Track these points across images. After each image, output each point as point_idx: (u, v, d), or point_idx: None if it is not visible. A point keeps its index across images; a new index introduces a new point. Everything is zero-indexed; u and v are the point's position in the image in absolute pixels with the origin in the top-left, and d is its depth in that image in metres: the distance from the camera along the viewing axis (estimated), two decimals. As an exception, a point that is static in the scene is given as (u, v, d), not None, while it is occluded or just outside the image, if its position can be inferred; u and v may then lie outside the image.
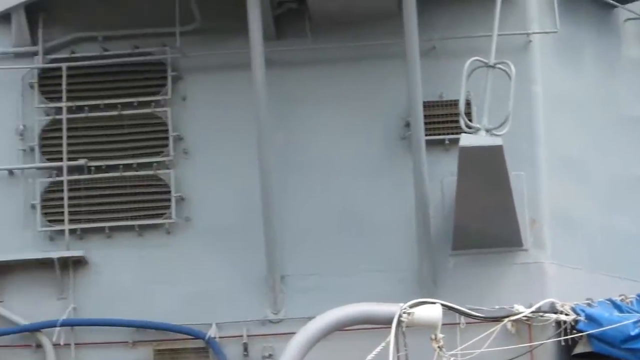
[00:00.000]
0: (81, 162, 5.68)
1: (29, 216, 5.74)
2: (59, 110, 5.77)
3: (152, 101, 5.67)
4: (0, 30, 6.04)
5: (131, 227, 5.62)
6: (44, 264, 5.69)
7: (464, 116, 4.62)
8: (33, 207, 5.65)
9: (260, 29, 5.00)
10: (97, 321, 5.59)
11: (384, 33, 5.50)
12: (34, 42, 5.85)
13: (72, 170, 5.70)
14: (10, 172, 5.73)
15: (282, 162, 5.46)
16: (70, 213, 5.63)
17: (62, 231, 5.70)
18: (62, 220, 5.67)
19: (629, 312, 5.06)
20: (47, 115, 5.80)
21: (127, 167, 5.70)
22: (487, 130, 4.55)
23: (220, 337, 5.27)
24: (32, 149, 5.73)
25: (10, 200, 5.82)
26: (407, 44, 4.90)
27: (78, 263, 5.69)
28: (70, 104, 5.80)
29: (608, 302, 5.21)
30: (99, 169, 5.67)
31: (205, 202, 5.58)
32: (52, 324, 5.54)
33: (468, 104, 4.97)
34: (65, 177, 5.64)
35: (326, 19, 5.51)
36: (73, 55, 5.85)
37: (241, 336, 5.25)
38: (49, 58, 5.85)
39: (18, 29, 5.88)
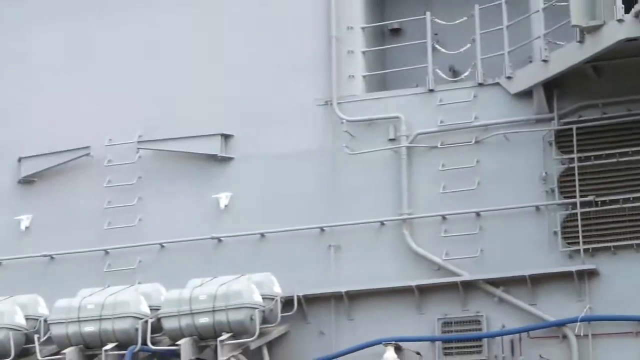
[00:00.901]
0: (590, 198, 13.97)
1: (552, 240, 14.31)
2: (571, 160, 14.25)
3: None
4: (524, 103, 15.01)
5: (630, 246, 13.81)
6: (565, 276, 14.04)
7: None
8: (555, 233, 14.21)
9: None
10: (608, 317, 13.66)
11: None
12: (550, 110, 14.66)
13: (583, 204, 14.03)
14: (537, 208, 14.41)
15: None
16: (583, 237, 13.95)
17: (577, 251, 14.00)
18: (578, 242, 13.97)
19: None
20: (562, 164, 14.36)
21: (626, 200, 13.86)
22: None
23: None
24: (552, 190, 14.34)
25: (538, 229, 14.46)
26: None
27: (591, 274, 13.93)
28: (579, 155, 14.20)
29: None
30: (604, 203, 13.97)
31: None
32: (573, 320, 13.74)
33: None
34: (578, 210, 14.05)
35: None
36: (580, 118, 14.43)
37: None
38: (562, 122, 14.53)
39: (538, 101, 14.74)
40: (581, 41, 13.87)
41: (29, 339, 15.74)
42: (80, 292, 15.70)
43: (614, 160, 14.29)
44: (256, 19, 17.26)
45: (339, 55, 16.48)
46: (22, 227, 17.55)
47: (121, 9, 18.09)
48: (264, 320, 14.76)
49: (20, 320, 15.65)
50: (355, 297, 15.38)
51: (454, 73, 16.29)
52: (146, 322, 14.99)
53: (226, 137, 16.83)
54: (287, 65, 16.83)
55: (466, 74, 15.97)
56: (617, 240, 14.12)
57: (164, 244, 16.63)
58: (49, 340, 15.70)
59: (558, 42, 14.75)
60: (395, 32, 17.30)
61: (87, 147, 17.46)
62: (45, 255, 17.13)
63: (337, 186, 16.12)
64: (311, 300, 15.53)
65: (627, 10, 13.28)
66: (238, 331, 14.55)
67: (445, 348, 14.87)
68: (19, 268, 17.33)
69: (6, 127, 18.04)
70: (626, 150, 14.22)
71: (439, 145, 15.51)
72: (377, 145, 15.87)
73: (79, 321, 15.17)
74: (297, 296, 15.33)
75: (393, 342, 14.67)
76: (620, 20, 13.14)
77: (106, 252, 16.86)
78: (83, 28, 18.18)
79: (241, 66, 17.11)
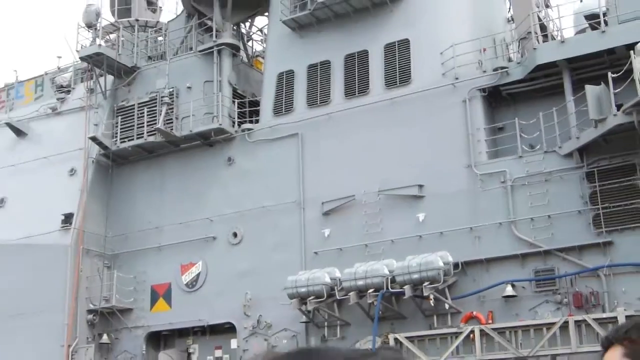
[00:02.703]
0: (606, 205, 14.63)
1: (588, 227, 15.03)
2: (594, 186, 14.93)
3: None
4: (569, 159, 15.48)
5: (630, 228, 14.43)
6: (596, 245, 14.85)
7: None
8: (589, 224, 14.93)
9: None
10: (620, 264, 14.60)
11: None
12: (582, 162, 15.26)
13: (603, 208, 14.73)
14: (579, 211, 15.15)
15: None
16: (604, 224, 14.72)
17: (601, 232, 14.76)
18: (601, 228, 14.72)
19: None
20: (590, 189, 14.97)
21: (627, 204, 14.50)
22: None
23: None
24: (586, 202, 15.08)
25: (580, 222, 15.16)
26: None
27: (610, 243, 14.67)
28: (599, 183, 14.86)
29: None
30: (615, 207, 14.65)
31: None
32: (603, 267, 14.62)
33: None
34: (600, 211, 14.77)
35: None
36: (599, 165, 15.10)
37: None
38: (589, 167, 15.18)
39: (576, 158, 15.29)
40: (596, 126, 14.99)
41: (332, 289, 16.49)
42: (355, 265, 16.49)
43: (619, 185, 15.25)
44: (431, 126, 17.58)
45: (473, 143, 17.11)
46: (326, 235, 18.22)
47: (360, 127, 18.43)
48: (444, 274, 15.49)
49: (328, 280, 16.54)
50: (490, 260, 16.13)
51: (532, 147, 16.80)
52: (387, 278, 15.77)
53: (420, 186, 17.33)
54: (448, 149, 17.33)
55: (538, 147, 16.60)
56: (622, 225, 15.15)
57: (393, 240, 17.18)
58: (341, 290, 16.41)
59: (584, 128, 15.62)
60: (500, 129, 17.68)
61: (353, 195, 17.93)
62: (337, 249, 17.87)
63: (476, 206, 16.72)
64: (467, 263, 16.34)
65: (618, 109, 14.52)
66: (432, 280, 15.34)
67: (537, 284, 15.79)
68: (325, 256, 17.96)
69: (317, 188, 18.48)
70: (625, 179, 15.24)
71: (526, 183, 16.28)
72: (495, 185, 16.59)
73: (355, 279, 16.03)
74: (460, 262, 16.11)
75: (510, 282, 15.72)
76: (615, 115, 14.49)
77: (366, 245, 17.41)
78: (348, 135, 18.57)
79: (424, 152, 17.44)
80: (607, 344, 1.79)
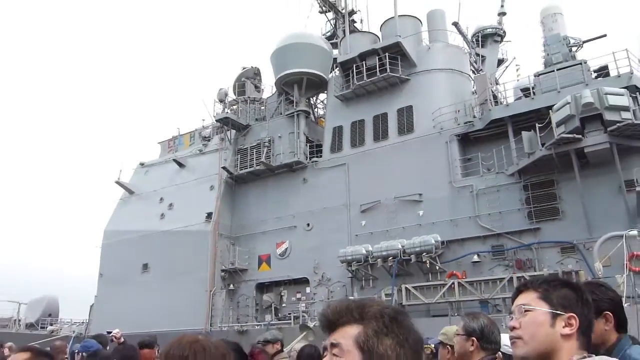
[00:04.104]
0: (537, 204, 14.34)
1: (525, 219, 14.50)
2: (528, 193, 14.61)
3: None
4: (513, 177, 14.87)
5: (552, 219, 13.93)
6: (531, 230, 14.27)
7: None
8: (525, 216, 14.55)
9: None
10: (545, 241, 14.02)
11: None
12: (521, 179, 14.76)
13: (534, 207, 14.39)
14: (518, 209, 14.71)
15: None
16: (535, 217, 14.30)
17: (533, 221, 14.21)
18: (533, 218, 14.26)
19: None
20: (526, 195, 14.51)
21: (548, 205, 14.12)
22: None
23: None
24: (523, 203, 14.55)
25: (520, 216, 14.56)
26: None
27: (538, 229, 14.14)
28: (532, 191, 14.48)
29: None
30: (542, 206, 14.23)
31: None
32: (534, 243, 14.02)
33: None
34: (532, 209, 14.38)
35: None
36: (531, 181, 14.53)
37: None
38: (525, 182, 14.78)
39: (516, 176, 14.83)
40: (529, 157, 14.91)
41: (367, 257, 15.90)
42: (381, 242, 15.88)
43: (543, 193, 15.18)
44: (426, 158, 17.15)
45: (452, 167, 16.92)
46: (362, 224, 17.64)
47: (383, 159, 17.85)
48: (436, 248, 15.26)
49: (364, 251, 15.85)
50: (464, 239, 15.91)
51: (488, 170, 16.58)
52: (400, 250, 15.10)
53: (420, 194, 17.02)
54: (437, 171, 16.94)
55: (492, 170, 16.47)
56: (546, 218, 15.04)
57: (404, 227, 16.65)
58: (373, 257, 16.06)
59: (522, 158, 15.37)
60: (469, 159, 17.16)
61: (379, 200, 17.39)
62: (369, 233, 17.35)
63: (455, 206, 16.45)
64: (450, 241, 16.07)
65: (542, 146, 14.32)
66: (428, 251, 15.27)
67: (493, 254, 15.56)
68: (362, 237, 17.59)
69: (357, 196, 17.94)
70: (547, 189, 15.17)
71: (485, 192, 16.09)
72: (466, 194, 16.33)
73: (381, 251, 15.88)
74: (445, 241, 15.82)
75: (476, 253, 15.63)
76: (540, 149, 14.39)
77: (387, 230, 16.90)
78: (376, 164, 17.99)
79: (422, 173, 17.08)
80: (523, 288, 1.59)
